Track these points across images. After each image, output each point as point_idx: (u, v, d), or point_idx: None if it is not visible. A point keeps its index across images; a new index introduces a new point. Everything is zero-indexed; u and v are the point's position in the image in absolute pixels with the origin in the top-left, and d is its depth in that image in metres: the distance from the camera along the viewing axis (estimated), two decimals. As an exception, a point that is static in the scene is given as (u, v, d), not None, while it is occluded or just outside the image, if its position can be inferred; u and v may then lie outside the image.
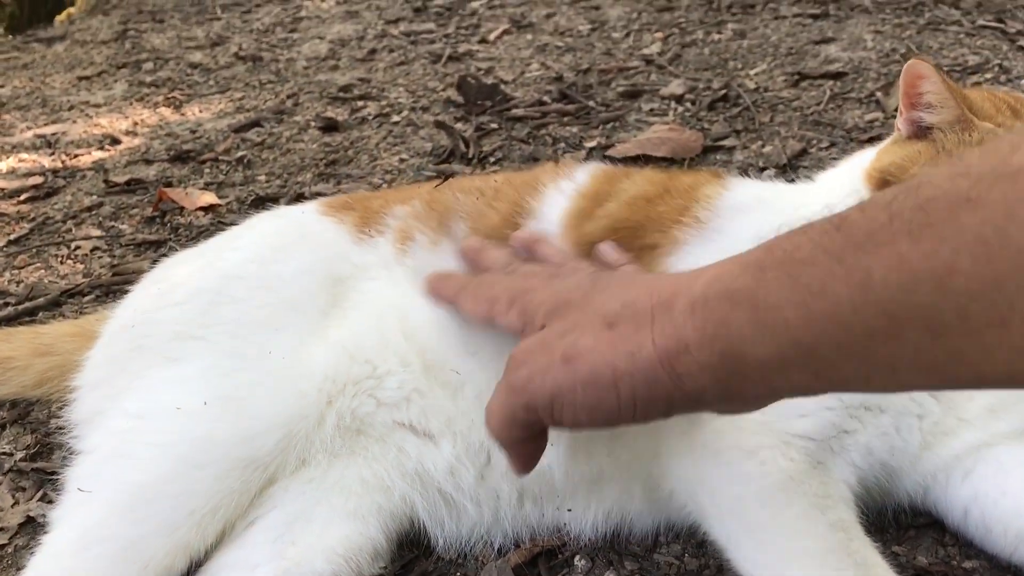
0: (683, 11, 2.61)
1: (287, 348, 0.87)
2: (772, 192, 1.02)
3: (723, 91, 1.91)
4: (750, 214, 0.92)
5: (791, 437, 0.78)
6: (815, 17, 2.36)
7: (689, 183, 0.97)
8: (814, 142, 1.63)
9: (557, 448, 0.86)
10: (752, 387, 0.57)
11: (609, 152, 1.66)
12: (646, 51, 2.29)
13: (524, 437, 0.69)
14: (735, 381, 0.57)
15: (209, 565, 0.82)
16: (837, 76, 1.93)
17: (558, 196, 0.96)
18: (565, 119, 1.89)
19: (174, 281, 0.96)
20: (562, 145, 1.76)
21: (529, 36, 2.60)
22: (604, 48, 2.38)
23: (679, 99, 1.91)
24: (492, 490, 0.88)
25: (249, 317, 0.89)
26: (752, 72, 2.04)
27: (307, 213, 1.02)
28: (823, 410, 0.79)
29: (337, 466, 0.86)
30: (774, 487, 0.76)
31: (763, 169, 1.55)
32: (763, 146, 1.64)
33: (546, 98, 2.02)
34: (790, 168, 1.54)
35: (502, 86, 2.09)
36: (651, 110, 1.88)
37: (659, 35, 2.42)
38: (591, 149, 1.71)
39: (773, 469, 0.76)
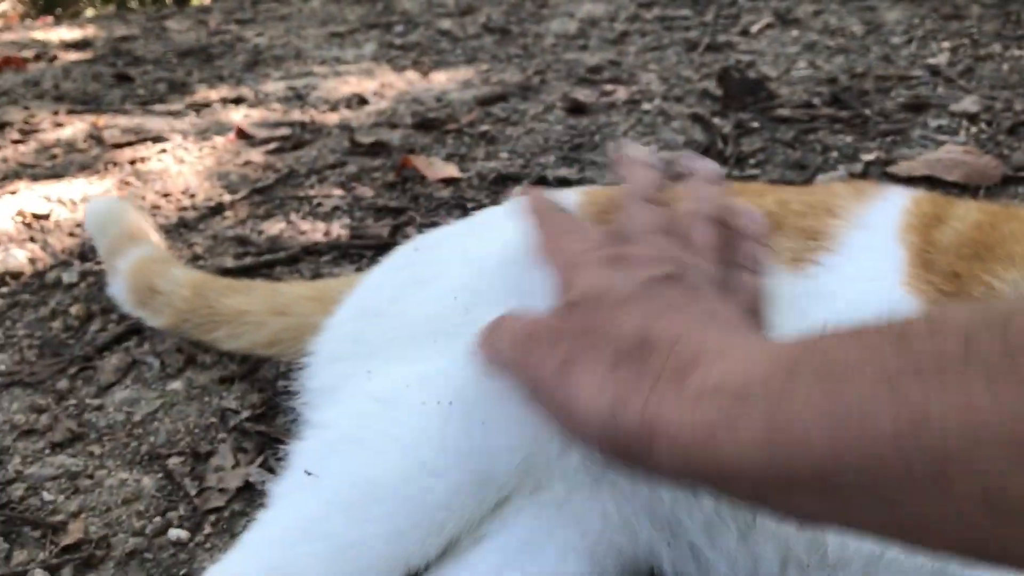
0: (974, 21, 2.34)
1: None
2: None
3: (1026, 114, 1.67)
4: None
5: None
6: None
7: None
8: None
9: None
10: (737, 493, 0.49)
11: (890, 169, 1.48)
12: (932, 60, 2.06)
13: (495, 370, 0.67)
14: (717, 483, 0.49)
15: (429, 578, 0.75)
16: None
17: (876, 218, 0.81)
18: (837, 126, 1.71)
19: (432, 269, 0.89)
20: (834, 154, 1.59)
21: (795, 32, 2.41)
22: (881, 53, 2.17)
23: (972, 118, 1.69)
24: (752, 553, 0.75)
25: None
26: (1061, 95, 1.78)
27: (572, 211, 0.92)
28: None
29: (578, 496, 0.76)
30: None
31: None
32: (1077, 182, 1.41)
33: (816, 100, 1.85)
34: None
35: (766, 82, 1.93)
36: (939, 127, 1.67)
37: (946, 44, 2.17)
38: (868, 163, 1.53)
39: None
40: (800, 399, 0.45)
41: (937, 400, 0.40)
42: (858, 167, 1.52)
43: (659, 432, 0.50)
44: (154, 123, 2.02)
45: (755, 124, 1.75)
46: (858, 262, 0.77)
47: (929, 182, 1.44)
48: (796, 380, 0.46)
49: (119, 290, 1.19)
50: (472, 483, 0.73)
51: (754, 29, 2.45)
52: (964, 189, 1.42)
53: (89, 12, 3.13)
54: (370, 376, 0.82)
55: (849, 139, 1.65)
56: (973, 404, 0.39)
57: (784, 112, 1.79)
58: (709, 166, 0.78)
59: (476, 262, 0.88)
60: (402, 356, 0.82)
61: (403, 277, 0.90)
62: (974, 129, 1.65)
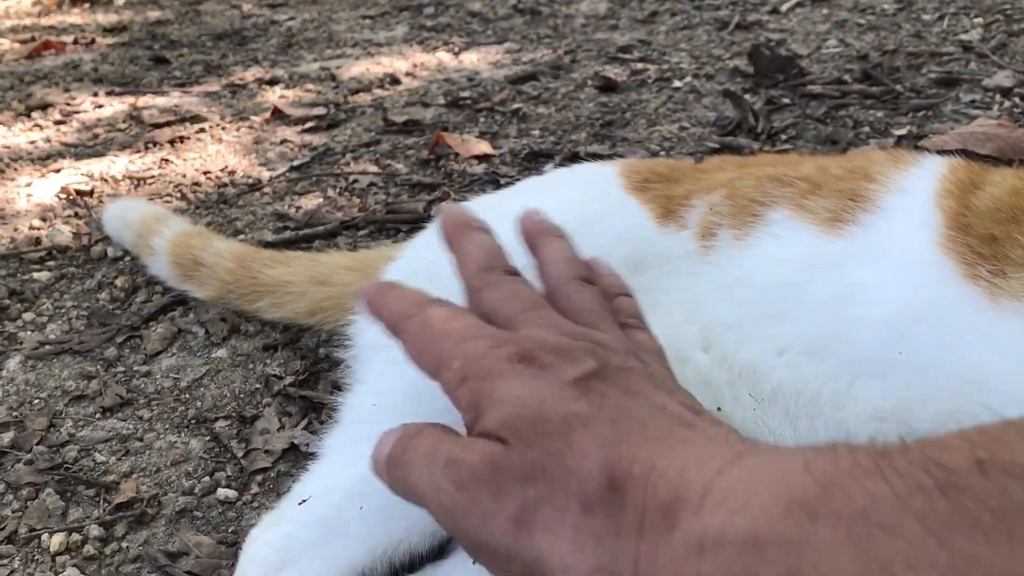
0: (1008, -4, 2.32)
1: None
2: None
3: (1060, 88, 1.67)
4: None
5: None
6: None
7: None
8: None
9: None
10: None
11: (922, 143, 1.49)
12: (964, 36, 2.05)
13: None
14: None
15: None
16: None
17: (913, 184, 0.82)
18: (868, 102, 1.71)
19: None
20: (866, 129, 1.59)
21: (825, 10, 2.40)
22: (912, 30, 2.16)
23: (1006, 92, 1.69)
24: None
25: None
26: (1096, 70, 1.77)
27: (610, 184, 0.93)
28: None
29: None
30: None
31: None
32: (1112, 155, 1.41)
33: (847, 77, 1.85)
34: None
35: (797, 60, 1.93)
36: (971, 102, 1.67)
37: (979, 20, 2.16)
38: (900, 137, 1.54)
39: None
40: (826, 554, 0.37)
41: (1005, 562, 0.34)
42: (889, 142, 1.52)
43: None
44: (191, 104, 2.06)
45: (786, 100, 1.76)
46: (894, 223, 0.78)
47: (962, 156, 1.44)
48: (819, 530, 0.38)
49: (161, 267, 1.22)
50: None
51: (784, 8, 2.45)
52: (997, 162, 1.42)
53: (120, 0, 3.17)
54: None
55: (880, 114, 1.65)
56: None
57: (815, 88, 1.79)
58: (547, 221, 0.70)
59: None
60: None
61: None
62: (1007, 104, 1.65)
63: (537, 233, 0.69)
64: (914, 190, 0.81)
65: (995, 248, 0.75)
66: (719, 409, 0.76)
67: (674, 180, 0.93)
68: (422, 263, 0.92)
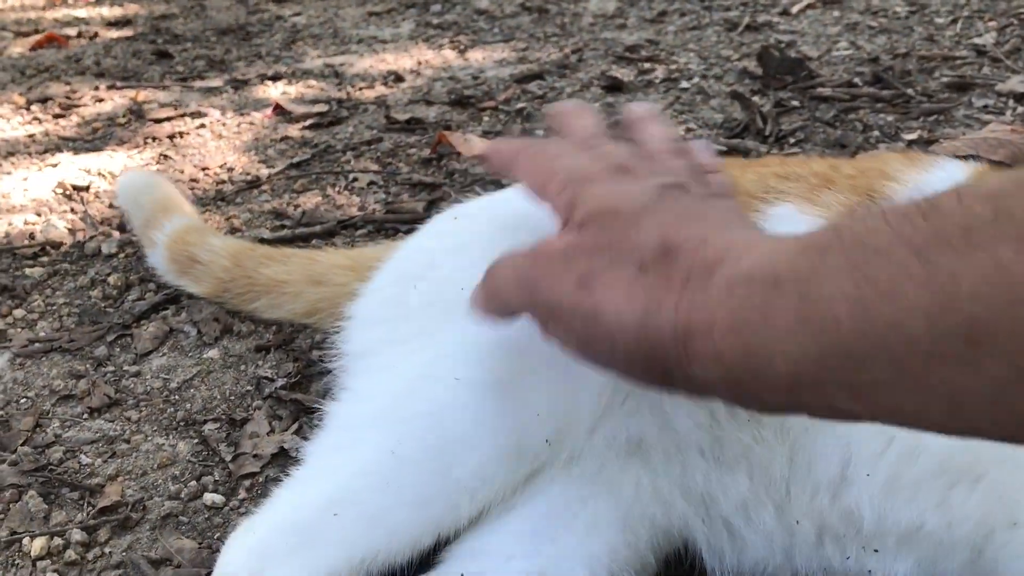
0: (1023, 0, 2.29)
1: None
2: None
3: (1075, 94, 1.64)
4: None
5: None
6: None
7: None
8: None
9: (871, 483, 0.72)
10: (772, 396, 0.48)
11: (933, 148, 1.46)
12: (977, 41, 2.02)
13: (504, 317, 0.65)
14: (752, 383, 0.48)
15: (460, 545, 0.75)
16: None
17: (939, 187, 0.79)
18: (879, 105, 1.68)
19: (470, 236, 0.88)
20: (875, 133, 1.56)
21: (836, 12, 2.37)
22: (925, 33, 2.13)
23: (1020, 98, 1.65)
24: (787, 527, 0.75)
25: None
26: (1112, 76, 1.74)
27: None
28: None
29: (610, 468, 0.76)
30: None
31: None
32: None
33: (857, 80, 1.82)
34: None
35: (807, 62, 1.90)
36: (984, 107, 1.64)
37: (993, 24, 2.13)
38: (911, 142, 1.51)
39: None
40: (829, 279, 0.44)
41: (966, 268, 0.39)
42: (900, 146, 1.49)
43: (695, 329, 0.49)
44: (193, 99, 2.04)
45: (795, 103, 1.73)
46: None
47: (973, 161, 1.41)
48: (826, 261, 0.45)
49: (159, 261, 1.20)
50: (503, 455, 0.73)
51: (795, 9, 2.41)
52: (1009, 168, 1.39)
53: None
54: (408, 344, 0.82)
55: (891, 118, 1.62)
56: (1004, 268, 0.38)
57: (825, 91, 1.76)
58: (652, 109, 0.76)
59: (513, 231, 0.87)
60: (437, 323, 0.82)
61: (441, 244, 0.90)
62: (1021, 109, 1.62)
63: (639, 119, 0.73)
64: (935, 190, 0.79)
65: None
66: (710, 427, 0.73)
67: None
68: (411, 265, 0.90)
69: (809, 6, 2.45)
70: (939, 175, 0.80)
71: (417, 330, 0.82)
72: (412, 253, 0.92)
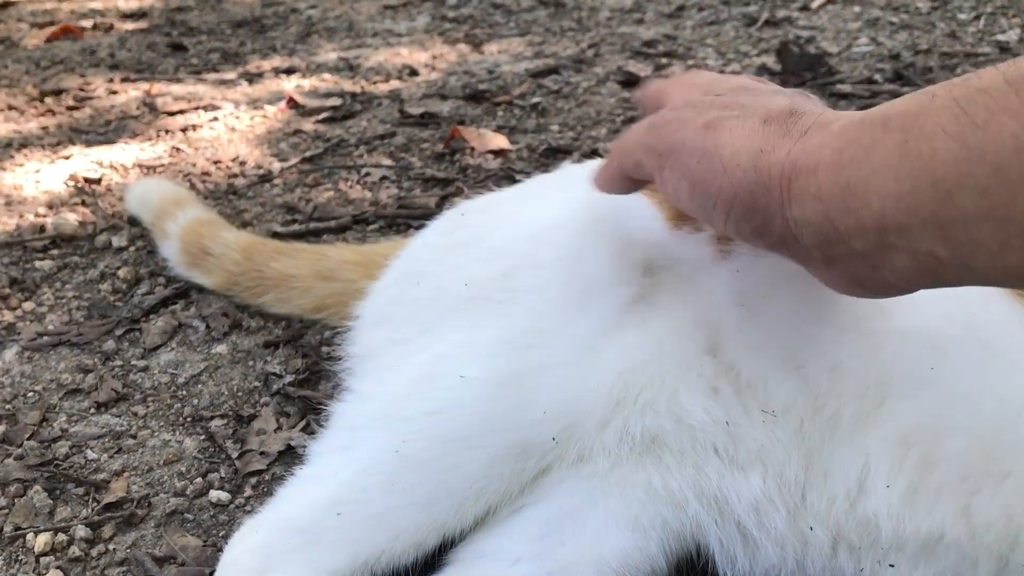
0: (1047, -4, 2.25)
1: (585, 334, 0.74)
2: None
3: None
4: None
5: None
6: None
7: None
8: None
9: (891, 493, 0.70)
10: (860, 238, 0.51)
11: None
12: (1001, 37, 1.98)
13: (626, 188, 0.69)
14: (844, 222, 0.51)
15: (466, 547, 0.74)
16: None
17: None
18: (899, 103, 1.66)
19: (476, 232, 0.87)
20: (896, 132, 1.54)
21: (857, 8, 2.34)
22: (947, 29, 2.09)
23: (1043, 95, 1.62)
24: (801, 533, 0.73)
25: (552, 291, 0.77)
26: None
27: None
28: None
29: (622, 468, 0.74)
30: None
31: None
32: None
33: (878, 77, 1.79)
34: None
35: (826, 58, 1.88)
36: (1007, 104, 1.61)
37: (1016, 20, 2.09)
38: (932, 140, 1.48)
39: None
40: (933, 116, 0.47)
41: None
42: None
43: (801, 167, 0.53)
44: (207, 92, 2.03)
45: (814, 99, 1.71)
46: None
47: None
48: (934, 101, 0.48)
49: (171, 252, 1.20)
50: (510, 454, 0.71)
51: (815, 4, 2.38)
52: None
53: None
54: (412, 343, 0.81)
55: (912, 116, 1.60)
56: None
57: (844, 88, 1.73)
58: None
59: (520, 228, 0.85)
60: (444, 321, 0.81)
61: (448, 241, 0.88)
62: (1045, 107, 1.59)
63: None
64: None
65: None
66: (727, 424, 0.72)
67: None
68: (416, 263, 0.88)
69: (829, 1, 2.42)
70: None
71: (421, 328, 0.81)
72: (418, 251, 0.91)
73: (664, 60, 2.04)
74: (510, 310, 0.79)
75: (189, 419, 0.98)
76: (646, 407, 0.73)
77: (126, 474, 0.91)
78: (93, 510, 0.87)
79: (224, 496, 0.88)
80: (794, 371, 0.72)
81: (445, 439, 0.72)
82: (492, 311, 0.79)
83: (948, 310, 0.69)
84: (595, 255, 0.79)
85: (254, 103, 1.94)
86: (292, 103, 1.89)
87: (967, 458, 0.68)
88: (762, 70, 1.90)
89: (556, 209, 0.86)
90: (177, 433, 0.97)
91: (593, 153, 1.54)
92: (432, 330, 0.81)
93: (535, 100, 1.84)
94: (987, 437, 0.66)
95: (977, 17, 2.16)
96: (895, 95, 1.66)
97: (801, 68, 1.82)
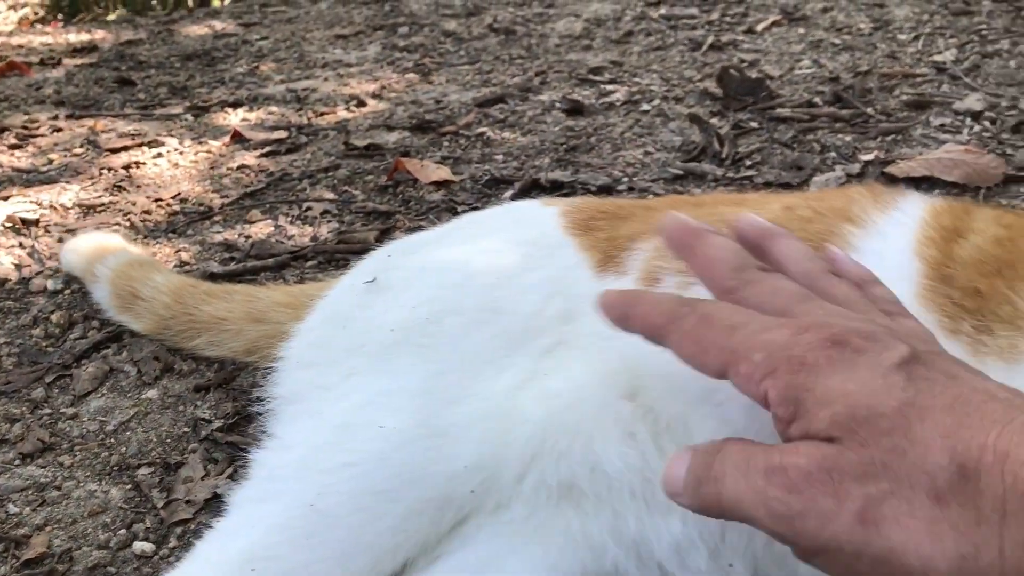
0: (984, 17, 2.29)
1: (505, 386, 0.74)
2: None
3: (1032, 112, 1.63)
4: None
5: None
6: None
7: None
8: None
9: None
10: None
11: (889, 169, 1.45)
12: (938, 58, 2.02)
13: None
14: None
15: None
16: None
17: (892, 228, 0.77)
18: (837, 125, 1.68)
19: (402, 276, 0.86)
20: (832, 154, 1.56)
21: (801, 30, 2.37)
22: (887, 50, 2.13)
23: (976, 116, 1.65)
24: (723, 570, 0.73)
25: (475, 340, 0.77)
26: (1070, 92, 1.74)
27: (550, 226, 0.88)
28: None
29: (540, 515, 0.74)
30: None
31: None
32: (1082, 182, 1.37)
33: (817, 99, 1.81)
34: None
35: (768, 82, 1.90)
36: (941, 125, 1.64)
37: (954, 41, 2.13)
38: (867, 163, 1.50)
39: None
40: None
41: None
42: (856, 167, 1.49)
43: None
44: (152, 127, 2.02)
45: (754, 124, 1.72)
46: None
47: (928, 182, 1.41)
48: None
49: (103, 295, 1.19)
50: (428, 507, 0.71)
51: (760, 27, 2.42)
52: (964, 189, 1.39)
53: (111, 16, 3.14)
54: (334, 389, 0.80)
55: (848, 138, 1.62)
56: None
57: (784, 111, 1.75)
58: (767, 224, 0.67)
59: (444, 275, 0.85)
60: (367, 367, 0.81)
61: (377, 284, 0.88)
62: (977, 128, 1.61)
63: (763, 236, 0.65)
64: (892, 234, 0.77)
65: (980, 303, 0.70)
66: (641, 469, 0.72)
67: (621, 218, 0.88)
68: (341, 305, 0.88)
69: (775, 23, 2.45)
70: (898, 216, 0.78)
71: (344, 374, 0.80)
72: (342, 293, 0.90)
73: (609, 87, 2.05)
74: (432, 357, 0.78)
75: (116, 468, 0.97)
76: (561, 457, 0.73)
77: (48, 528, 0.90)
78: (12, 567, 0.85)
79: (148, 547, 0.87)
80: (714, 408, 0.72)
81: (363, 492, 0.71)
82: (415, 357, 0.79)
83: None
84: (515, 304, 0.79)
85: (199, 138, 1.93)
86: (237, 136, 1.89)
87: None
88: (704, 95, 1.92)
89: (480, 257, 0.86)
90: (103, 483, 0.95)
91: (534, 184, 1.55)
92: (355, 376, 0.80)
93: (480, 130, 1.85)
94: None
95: (916, 37, 2.19)
96: (834, 118, 1.69)
97: (742, 92, 1.84)
